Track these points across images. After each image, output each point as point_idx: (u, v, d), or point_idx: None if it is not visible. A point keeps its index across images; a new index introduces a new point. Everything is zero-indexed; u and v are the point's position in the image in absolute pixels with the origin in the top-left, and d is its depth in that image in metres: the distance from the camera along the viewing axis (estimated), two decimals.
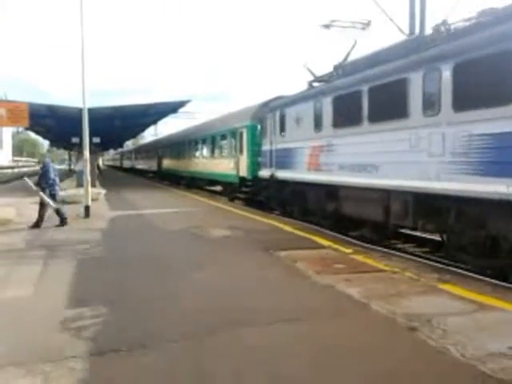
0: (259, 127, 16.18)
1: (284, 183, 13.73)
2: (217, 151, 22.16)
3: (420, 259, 7.96)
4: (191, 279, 6.32)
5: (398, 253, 8.50)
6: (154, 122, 37.99)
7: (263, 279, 6.34)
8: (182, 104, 26.46)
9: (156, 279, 6.37)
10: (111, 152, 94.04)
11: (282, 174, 13.64)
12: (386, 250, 8.72)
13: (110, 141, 36.78)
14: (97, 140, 23.36)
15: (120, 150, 73.77)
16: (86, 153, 13.74)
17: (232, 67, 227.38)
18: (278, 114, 13.98)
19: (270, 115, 14.67)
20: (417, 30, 11.33)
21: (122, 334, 4.33)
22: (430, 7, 11.43)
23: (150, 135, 63.79)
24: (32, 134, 59.43)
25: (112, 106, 23.38)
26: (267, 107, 15.23)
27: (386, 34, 14.00)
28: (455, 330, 4.32)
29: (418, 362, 3.75)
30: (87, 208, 13.21)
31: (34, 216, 11.74)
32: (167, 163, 35.95)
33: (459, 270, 7.10)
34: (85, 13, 12.97)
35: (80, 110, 13.87)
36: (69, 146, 37.31)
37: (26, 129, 36.19)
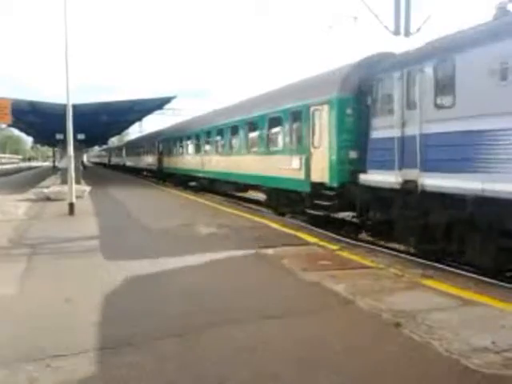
0: (352, 102, 10.18)
1: (449, 201, 7.32)
2: (261, 144, 14.45)
3: (406, 255, 8.04)
4: (180, 271, 6.28)
5: (383, 249, 8.56)
6: (139, 119, 37.71)
7: (249, 277, 6.34)
8: (167, 100, 26.27)
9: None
10: (96, 149, 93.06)
11: (452, 183, 7.10)
12: (372, 246, 8.78)
13: (94, 137, 36.36)
14: (81, 136, 23.07)
15: (107, 145, 72.69)
16: (70, 149, 13.56)
17: (214, 65, 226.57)
18: (427, 69, 7.77)
19: (395, 76, 8.58)
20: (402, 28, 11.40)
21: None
22: (415, 5, 11.49)
23: (135, 132, 62.81)
24: (16, 131, 58.59)
25: (97, 102, 23.11)
26: (385, 65, 9.29)
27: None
28: (440, 326, 4.36)
29: (403, 358, 3.78)
30: (71, 205, 13.06)
31: (15, 213, 11.56)
32: (172, 161, 28.00)
33: (443, 266, 7.18)
34: (69, 8, 12.80)
35: (64, 106, 13.69)
36: (53, 143, 36.84)
37: (9, 125, 35.63)
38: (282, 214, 13.44)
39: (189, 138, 24.04)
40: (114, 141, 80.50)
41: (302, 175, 11.62)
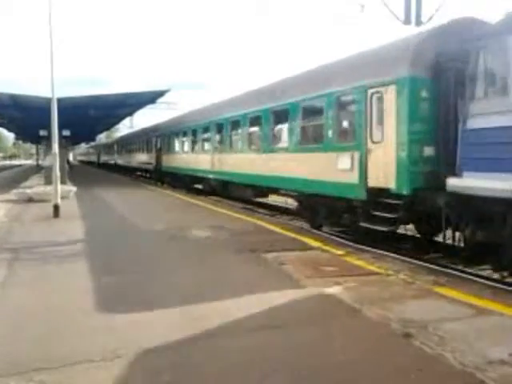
0: (428, 82, 8.53)
1: None
2: (293, 138, 12.37)
3: (415, 261, 8.04)
4: (168, 282, 6.29)
5: (391, 254, 8.56)
6: (130, 114, 37.70)
7: (248, 282, 6.33)
8: (160, 94, 26.23)
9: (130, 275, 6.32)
10: (83, 146, 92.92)
11: None
12: (379, 251, 8.78)
13: (81, 134, 36.38)
14: (67, 133, 23.09)
15: (95, 142, 72.41)
16: (55, 146, 13.55)
17: (211, 56, 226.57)
18: None
19: None
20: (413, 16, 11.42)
21: None
22: None
23: (125, 128, 62.46)
24: None
25: (84, 95, 23.10)
26: (491, 28, 7.53)
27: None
28: (453, 337, 4.36)
29: (414, 371, 3.77)
30: (56, 207, 13.04)
31: None
32: (173, 159, 25.85)
33: (456, 272, 7.19)
34: None
35: (48, 100, 13.67)
36: (36, 140, 36.79)
37: None
38: (319, 227, 11.59)
39: (194, 132, 21.68)
40: (102, 137, 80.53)
41: (354, 178, 9.69)
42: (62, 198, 14.20)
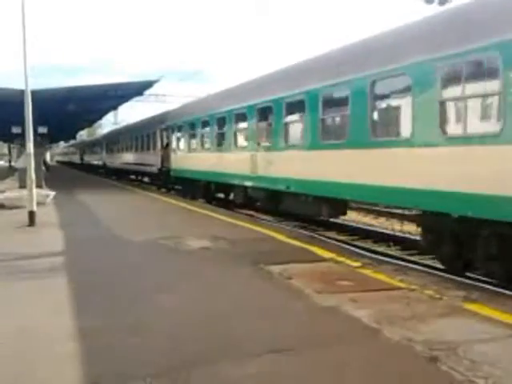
0: None
1: None
2: (424, 125, 8.60)
3: (442, 273, 8.02)
4: (160, 301, 6.29)
5: (415, 266, 8.54)
6: (115, 107, 37.88)
7: (251, 300, 6.33)
8: (148, 84, 26.41)
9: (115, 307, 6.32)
10: (62, 144, 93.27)
11: None
12: (401, 262, 8.77)
13: (60, 131, 36.61)
14: (43, 130, 23.18)
15: (78, 140, 72.40)
16: (30, 146, 13.58)
17: (208, 43, 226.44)
18: None
19: None
20: None
21: None
22: None
23: (109, 123, 62.50)
24: None
25: (63, 87, 23.24)
26: None
27: None
28: (486, 361, 4.33)
29: None
30: (32, 214, 13.06)
31: None
32: (188, 160, 22.10)
33: (490, 287, 7.16)
34: None
35: (21, 93, 13.70)
36: (8, 138, 36.95)
37: None
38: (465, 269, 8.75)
39: (221, 121, 17.78)
40: (83, 135, 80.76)
41: None
42: (38, 204, 14.23)
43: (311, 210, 12.86)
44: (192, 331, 5.24)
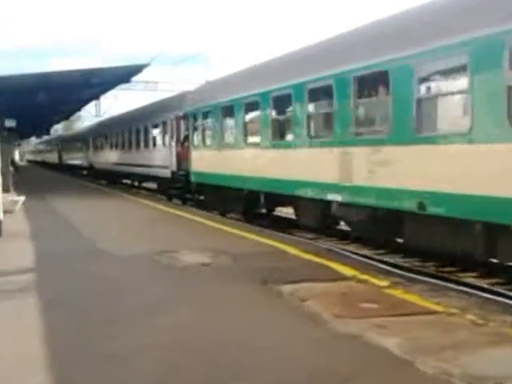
0: None
1: None
2: None
3: (486, 294, 7.98)
4: (154, 328, 6.29)
5: (454, 285, 8.51)
6: (97, 97, 37.91)
7: (257, 326, 6.32)
8: (137, 69, 26.37)
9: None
10: (33, 141, 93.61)
11: None
12: (437, 280, 8.74)
13: (31, 125, 36.71)
14: (11, 124, 23.26)
15: (50, 136, 72.17)
16: None
17: (207, 21, 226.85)
18: None
19: None
20: None
21: None
22: None
23: (90, 116, 62.18)
24: None
25: (34, 73, 23.30)
26: None
27: None
28: None
29: None
30: None
31: None
32: (221, 159, 18.37)
33: None
34: None
35: None
36: None
37: None
38: None
39: (286, 101, 14.48)
40: (59, 129, 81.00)
41: None
42: (6, 211, 14.29)
43: (474, 247, 9.14)
44: (188, 366, 5.24)
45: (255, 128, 16.34)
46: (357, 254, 12.07)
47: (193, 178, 20.91)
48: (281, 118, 15.58)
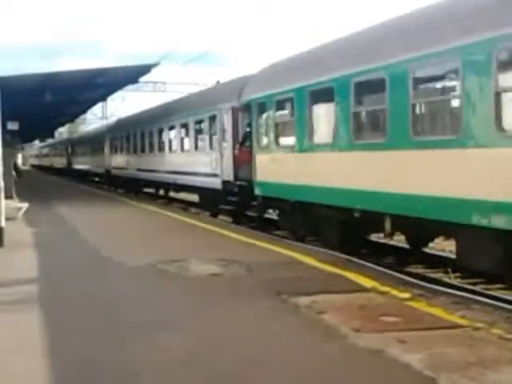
0: None
1: None
2: None
3: None
4: (161, 344, 6.30)
5: (480, 298, 8.45)
6: (103, 98, 38.01)
7: (273, 341, 6.32)
8: (145, 69, 26.45)
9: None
10: (37, 144, 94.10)
11: None
12: (462, 293, 8.68)
13: (34, 127, 36.86)
14: (14, 126, 23.38)
15: (54, 140, 72.26)
16: None
17: (217, 20, 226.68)
18: None
19: None
20: None
21: None
22: None
23: (95, 118, 61.92)
24: None
25: (38, 73, 23.43)
26: None
27: None
28: None
29: None
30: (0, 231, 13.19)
31: None
32: (310, 166, 13.62)
33: None
34: None
35: None
36: None
37: None
38: None
39: (427, 78, 10.86)
40: (63, 132, 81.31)
41: None
42: (8, 218, 14.36)
43: None
44: (200, 382, 5.24)
45: (375, 120, 12.14)
46: (377, 264, 12.00)
47: (258, 191, 16.34)
48: (436, 100, 11.03)
